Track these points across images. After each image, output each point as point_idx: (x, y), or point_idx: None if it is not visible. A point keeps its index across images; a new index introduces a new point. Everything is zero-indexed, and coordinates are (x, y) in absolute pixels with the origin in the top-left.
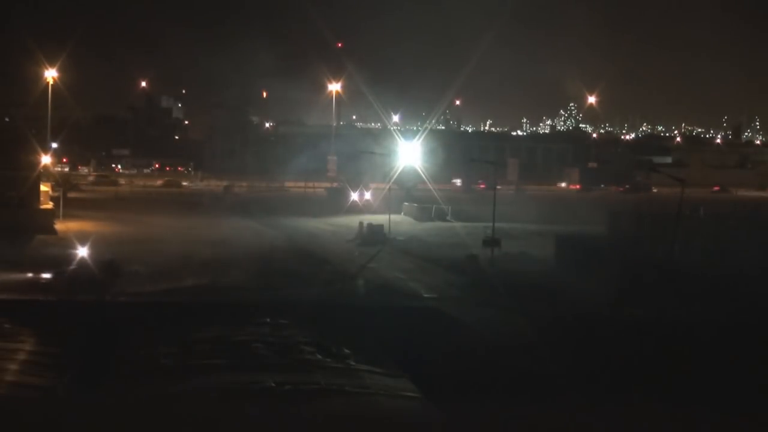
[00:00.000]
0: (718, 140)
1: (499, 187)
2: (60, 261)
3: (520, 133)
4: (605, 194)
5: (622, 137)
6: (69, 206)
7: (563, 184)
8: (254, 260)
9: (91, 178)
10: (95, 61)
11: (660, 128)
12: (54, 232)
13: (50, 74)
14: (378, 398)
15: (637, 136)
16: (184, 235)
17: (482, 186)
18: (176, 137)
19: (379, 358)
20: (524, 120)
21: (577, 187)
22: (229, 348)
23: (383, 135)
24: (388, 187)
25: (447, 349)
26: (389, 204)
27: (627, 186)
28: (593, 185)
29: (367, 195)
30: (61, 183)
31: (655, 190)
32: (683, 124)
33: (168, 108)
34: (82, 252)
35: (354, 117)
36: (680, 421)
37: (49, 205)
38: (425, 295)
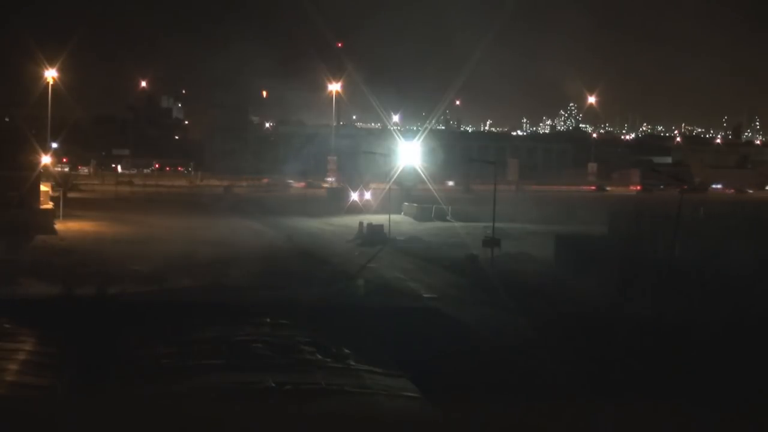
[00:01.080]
0: (718, 140)
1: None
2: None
3: (520, 133)
4: (665, 195)
5: (622, 137)
6: (69, 206)
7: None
8: (254, 260)
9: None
10: (95, 61)
11: (660, 128)
12: (54, 232)
13: (50, 74)
14: (378, 398)
15: (637, 136)
16: (183, 235)
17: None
18: (176, 137)
19: (379, 358)
20: (524, 120)
21: (638, 188)
22: (229, 348)
23: (383, 135)
24: (388, 187)
25: (447, 348)
26: (389, 204)
27: (685, 186)
28: (654, 186)
29: (367, 195)
30: (61, 183)
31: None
32: (683, 124)
33: (168, 108)
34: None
35: (354, 117)
36: (680, 421)
37: (49, 205)
38: (425, 295)
